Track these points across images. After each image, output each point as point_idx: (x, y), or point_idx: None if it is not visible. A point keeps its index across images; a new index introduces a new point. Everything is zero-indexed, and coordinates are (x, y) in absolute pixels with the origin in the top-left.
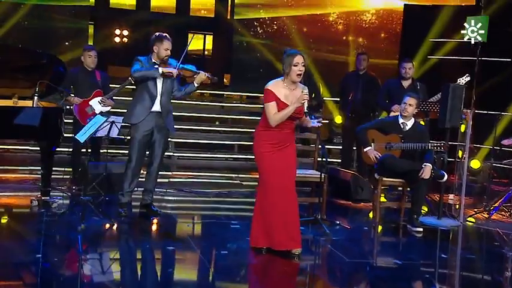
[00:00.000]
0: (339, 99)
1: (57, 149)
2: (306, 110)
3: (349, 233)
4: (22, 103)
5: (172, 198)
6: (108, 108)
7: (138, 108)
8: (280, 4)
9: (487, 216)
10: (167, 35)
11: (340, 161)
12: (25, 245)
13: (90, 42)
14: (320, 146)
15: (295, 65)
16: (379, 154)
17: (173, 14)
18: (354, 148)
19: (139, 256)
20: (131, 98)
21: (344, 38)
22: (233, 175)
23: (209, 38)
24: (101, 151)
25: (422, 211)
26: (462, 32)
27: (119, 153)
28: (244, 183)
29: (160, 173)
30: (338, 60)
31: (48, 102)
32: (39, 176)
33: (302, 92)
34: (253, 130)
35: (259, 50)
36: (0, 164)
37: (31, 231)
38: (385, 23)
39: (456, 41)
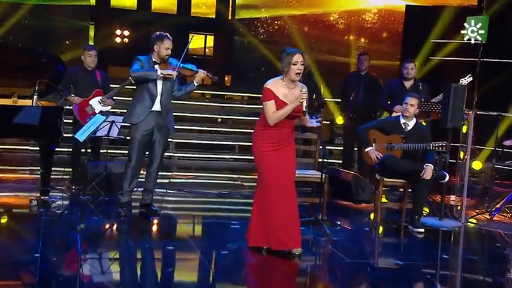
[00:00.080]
0: (340, 100)
1: (57, 149)
2: (304, 109)
3: (350, 233)
4: (22, 102)
5: (172, 198)
6: (108, 108)
7: (138, 108)
8: (281, 4)
9: (488, 217)
10: (168, 34)
11: (341, 161)
12: (24, 245)
13: (91, 43)
14: (321, 147)
15: (294, 64)
16: (380, 154)
17: (174, 14)
18: (355, 149)
19: (139, 256)
20: (131, 98)
21: (345, 38)
22: (234, 176)
23: (210, 39)
24: (101, 151)
25: (423, 212)
26: (462, 32)
27: (119, 153)
28: (245, 183)
29: (160, 173)
30: (339, 61)
31: (48, 101)
32: (39, 176)
33: (301, 91)
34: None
35: (260, 50)
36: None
37: (30, 231)
38: (386, 23)
39: (457, 42)
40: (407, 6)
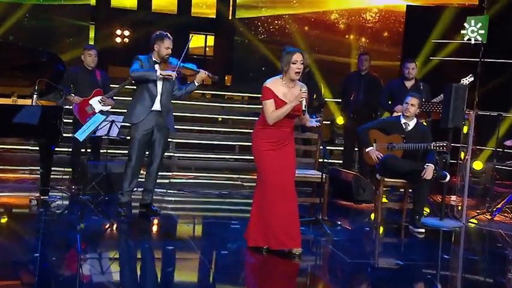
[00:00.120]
0: (340, 100)
1: (57, 149)
2: (304, 108)
3: (351, 233)
4: (22, 102)
5: (173, 198)
6: (108, 108)
7: (138, 107)
8: (281, 4)
9: (489, 217)
10: (168, 33)
11: (341, 162)
12: (24, 245)
13: (91, 43)
14: (321, 147)
15: (293, 63)
16: (381, 154)
17: (174, 14)
18: (356, 149)
19: (138, 256)
20: (131, 98)
21: (346, 38)
22: (234, 176)
23: (210, 39)
24: (101, 151)
25: (424, 212)
26: (462, 32)
27: (119, 153)
28: (245, 184)
29: (160, 173)
30: (340, 61)
31: (48, 101)
32: (39, 175)
33: (300, 90)
34: None
35: (261, 50)
36: None
37: (30, 231)
38: (387, 23)
39: (458, 42)
40: (408, 6)
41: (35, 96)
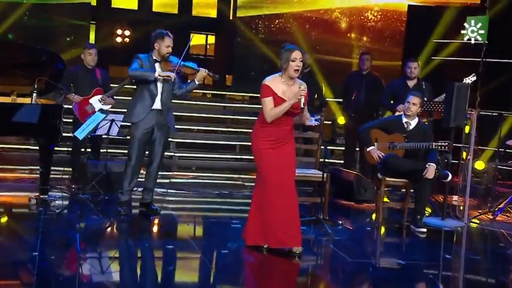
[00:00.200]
0: (341, 99)
1: (57, 148)
2: (302, 106)
3: (352, 233)
4: (21, 100)
5: (173, 198)
6: (108, 107)
7: (138, 107)
8: (282, 3)
9: (491, 217)
10: (168, 32)
11: (342, 161)
12: (23, 244)
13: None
14: (322, 147)
15: (292, 61)
16: (382, 154)
17: (175, 14)
18: (357, 149)
19: (138, 255)
20: (131, 98)
21: (347, 37)
22: (235, 175)
23: (211, 38)
24: (101, 150)
25: (426, 212)
26: (462, 32)
27: (119, 152)
28: (246, 183)
29: (161, 173)
30: (341, 61)
31: (48, 99)
32: (38, 175)
33: (300, 87)
34: None
35: (262, 49)
36: None
37: (29, 230)
38: (389, 22)
39: (459, 42)
40: (409, 5)
41: (34, 94)
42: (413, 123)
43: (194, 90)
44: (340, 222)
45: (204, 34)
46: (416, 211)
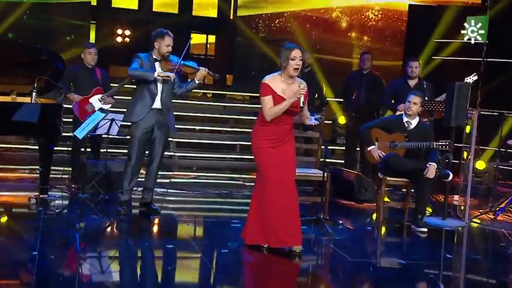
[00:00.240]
0: (342, 99)
1: (57, 148)
2: (302, 105)
3: (352, 232)
4: (21, 100)
5: (173, 198)
6: (108, 106)
7: (138, 106)
8: (283, 2)
9: (492, 217)
10: (168, 31)
11: (343, 161)
12: (23, 243)
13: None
14: (323, 147)
15: (292, 59)
16: (383, 153)
17: (175, 14)
18: (358, 149)
19: (138, 255)
20: (131, 98)
21: (348, 36)
22: (235, 175)
23: (212, 38)
24: (101, 150)
25: (426, 211)
26: (462, 32)
27: (119, 152)
28: (246, 183)
29: (161, 173)
30: (341, 60)
31: (48, 99)
32: (38, 175)
33: (299, 86)
34: None
35: (262, 49)
36: None
37: (29, 229)
38: (389, 21)
39: (460, 41)
40: (410, 5)
41: (34, 94)
42: (414, 122)
43: (194, 90)
44: (341, 221)
45: (204, 34)
46: (417, 211)
